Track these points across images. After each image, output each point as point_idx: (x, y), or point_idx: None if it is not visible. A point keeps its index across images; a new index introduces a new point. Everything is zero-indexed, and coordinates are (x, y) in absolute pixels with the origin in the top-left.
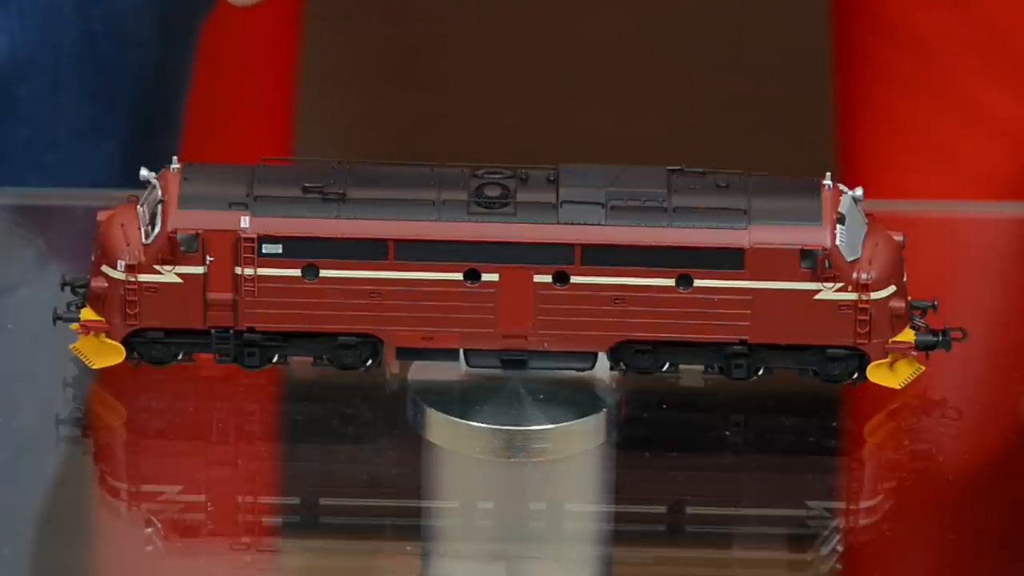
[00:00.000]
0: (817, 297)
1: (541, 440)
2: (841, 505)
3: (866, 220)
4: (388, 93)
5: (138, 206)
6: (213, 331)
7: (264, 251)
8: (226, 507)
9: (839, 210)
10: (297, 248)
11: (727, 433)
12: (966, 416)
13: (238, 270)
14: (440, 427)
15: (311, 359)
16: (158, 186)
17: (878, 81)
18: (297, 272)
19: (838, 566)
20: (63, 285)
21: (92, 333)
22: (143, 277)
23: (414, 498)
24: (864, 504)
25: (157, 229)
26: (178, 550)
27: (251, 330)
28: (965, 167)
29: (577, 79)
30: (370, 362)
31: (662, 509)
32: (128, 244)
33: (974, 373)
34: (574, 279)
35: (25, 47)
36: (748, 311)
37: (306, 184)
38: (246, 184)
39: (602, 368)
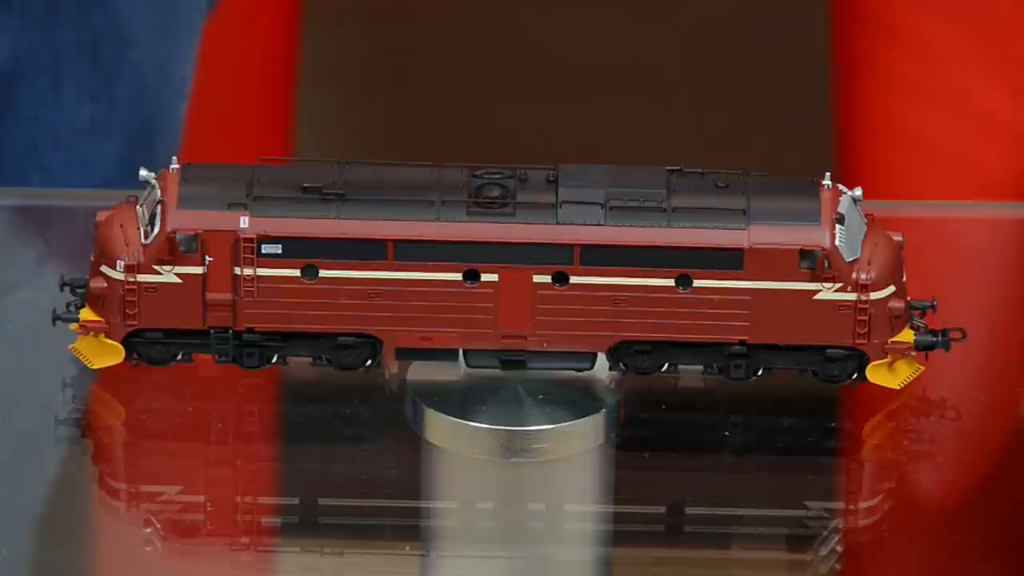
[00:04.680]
0: (816, 297)
1: (541, 440)
2: (840, 505)
3: (865, 220)
4: (388, 93)
5: (137, 206)
6: (212, 331)
7: (263, 251)
8: (225, 507)
9: (838, 210)
10: (296, 248)
11: (726, 433)
12: (965, 416)
13: (237, 270)
14: (439, 427)
15: (310, 359)
16: (157, 186)
17: (877, 82)
18: (296, 272)
19: (837, 566)
20: (62, 285)
21: (91, 333)
22: (142, 277)
23: (413, 498)
24: (863, 505)
25: (156, 229)
26: (177, 550)
27: (250, 330)
28: (964, 168)
29: (577, 81)
30: (369, 362)
31: (661, 509)
32: (127, 244)
33: (973, 373)
34: (573, 279)
35: (26, 47)
36: (747, 311)
37: (305, 184)
38: (245, 184)
39: (602, 368)
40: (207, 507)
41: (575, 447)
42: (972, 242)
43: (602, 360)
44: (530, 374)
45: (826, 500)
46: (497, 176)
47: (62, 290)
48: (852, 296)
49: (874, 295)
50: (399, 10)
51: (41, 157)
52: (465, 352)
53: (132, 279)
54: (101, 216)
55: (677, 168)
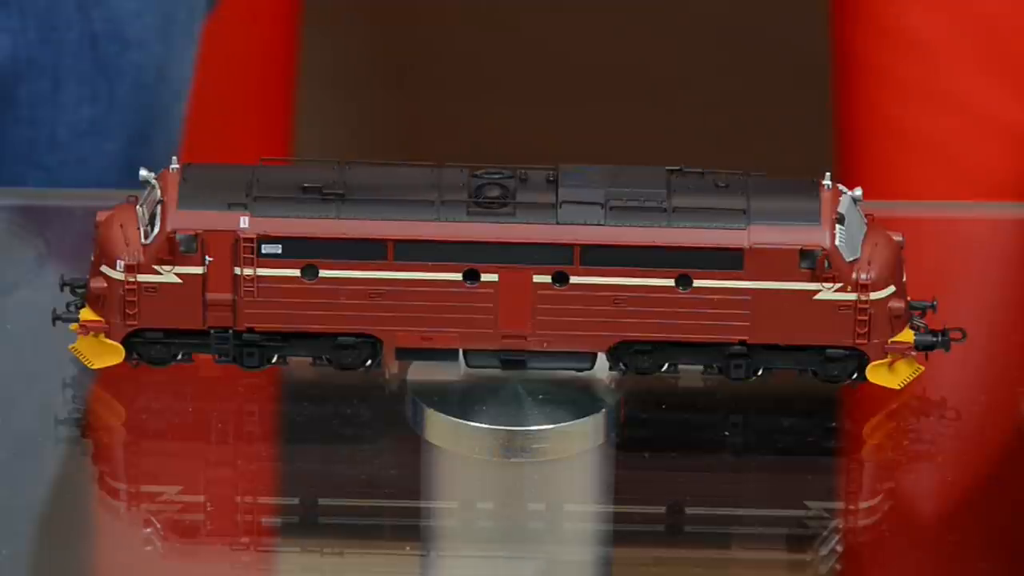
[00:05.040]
0: (816, 297)
1: (541, 440)
2: (840, 505)
3: (865, 220)
4: (388, 93)
5: (137, 206)
6: (212, 331)
7: (263, 251)
8: (225, 507)
9: (838, 210)
10: (296, 248)
11: (727, 433)
12: (965, 416)
13: (237, 270)
14: (440, 427)
15: (310, 359)
16: (157, 186)
17: (877, 82)
18: (296, 272)
19: (837, 566)
20: (62, 285)
21: (91, 333)
22: (142, 277)
23: (414, 498)
24: (863, 504)
25: (156, 229)
26: (177, 550)
27: (250, 330)
28: (964, 168)
29: (577, 81)
30: (369, 362)
31: (662, 509)
32: (127, 244)
33: (973, 373)
34: (573, 279)
35: (26, 47)
36: (747, 311)
37: (305, 184)
38: (245, 184)
39: (602, 368)
40: (207, 507)
41: (575, 447)
42: (972, 242)
43: (602, 360)
44: (530, 374)
45: (826, 500)
46: (497, 176)
47: (62, 290)
48: (852, 296)
49: (874, 295)
50: (399, 10)
51: (41, 157)
52: (465, 352)
53: (132, 279)
54: (101, 216)
55: (677, 168)
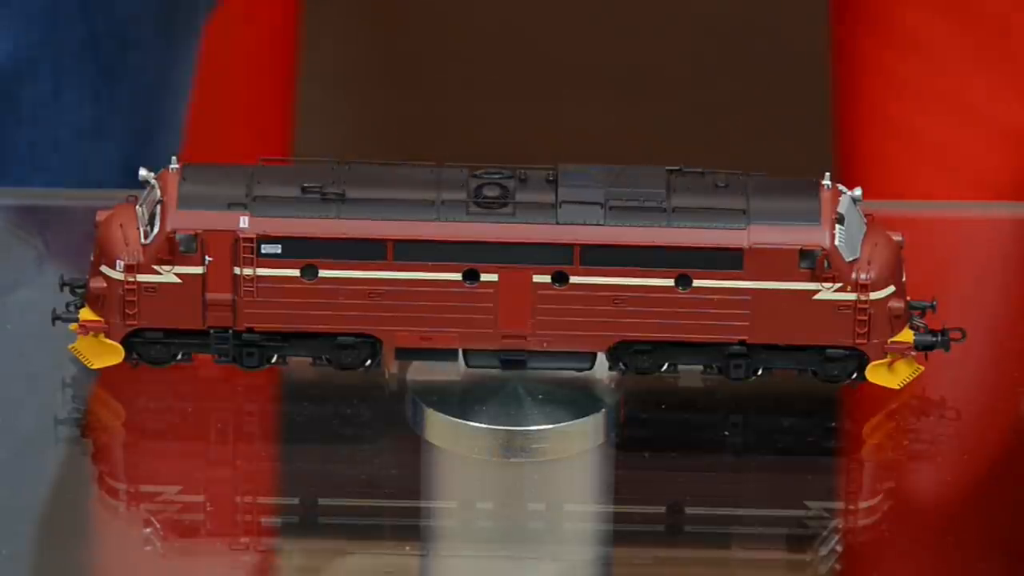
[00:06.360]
0: (816, 297)
1: (540, 440)
2: (840, 505)
3: (865, 220)
4: (388, 93)
5: (137, 206)
6: (212, 331)
7: (263, 251)
8: (225, 507)
9: (838, 210)
10: (296, 248)
11: (726, 433)
12: (965, 416)
13: (237, 270)
14: (439, 427)
15: (310, 359)
16: (157, 186)
17: (877, 82)
18: (296, 272)
19: (837, 566)
20: (62, 285)
21: (91, 333)
22: (142, 277)
23: (414, 498)
24: (863, 504)
25: (156, 229)
26: (177, 550)
27: (250, 330)
28: (964, 168)
29: (576, 80)
30: (369, 362)
31: (661, 509)
32: (127, 244)
33: (973, 373)
34: (573, 279)
35: (27, 48)
36: (747, 311)
37: (305, 184)
38: (245, 184)
39: (601, 368)
40: (207, 507)
41: (575, 447)
42: (972, 242)
43: (602, 360)
44: (530, 374)
45: (826, 500)
46: (497, 176)
47: (62, 290)
48: (852, 296)
49: (874, 295)
50: (398, 10)
51: (42, 157)
52: (465, 352)
53: (132, 279)
54: (101, 216)
55: (677, 168)
